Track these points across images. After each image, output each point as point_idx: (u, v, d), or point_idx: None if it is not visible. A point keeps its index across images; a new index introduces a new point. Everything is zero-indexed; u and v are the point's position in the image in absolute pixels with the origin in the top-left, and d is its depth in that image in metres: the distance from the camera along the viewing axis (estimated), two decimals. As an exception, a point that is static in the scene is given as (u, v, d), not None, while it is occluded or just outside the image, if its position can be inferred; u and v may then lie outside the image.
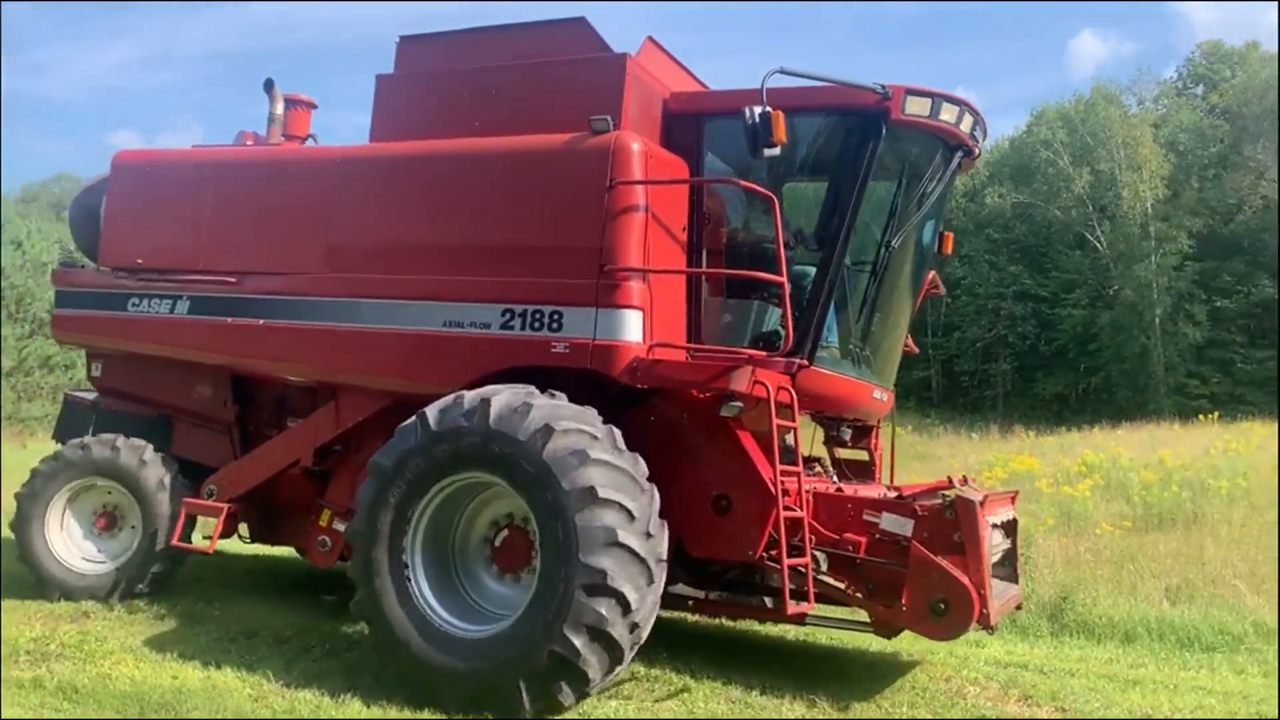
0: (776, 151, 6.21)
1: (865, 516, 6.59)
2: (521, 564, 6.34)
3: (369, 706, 5.95)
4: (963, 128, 6.98)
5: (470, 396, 6.20)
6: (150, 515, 8.07)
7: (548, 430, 5.88)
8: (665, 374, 6.45)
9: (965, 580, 6.10)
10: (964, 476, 7.39)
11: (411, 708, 5.93)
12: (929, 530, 6.35)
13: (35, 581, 8.11)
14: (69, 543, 8.30)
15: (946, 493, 6.55)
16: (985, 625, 6.21)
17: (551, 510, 5.79)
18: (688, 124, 7.16)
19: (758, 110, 6.19)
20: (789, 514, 6.28)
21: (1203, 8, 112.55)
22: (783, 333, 6.74)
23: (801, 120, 6.77)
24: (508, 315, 6.76)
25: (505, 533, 6.40)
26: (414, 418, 6.30)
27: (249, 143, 8.86)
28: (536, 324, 6.66)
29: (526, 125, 7.03)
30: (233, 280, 7.90)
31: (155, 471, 8.11)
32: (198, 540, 8.24)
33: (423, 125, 7.46)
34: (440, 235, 7.10)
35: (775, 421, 6.22)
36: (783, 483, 6.34)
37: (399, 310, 7.15)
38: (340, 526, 7.52)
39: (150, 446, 8.26)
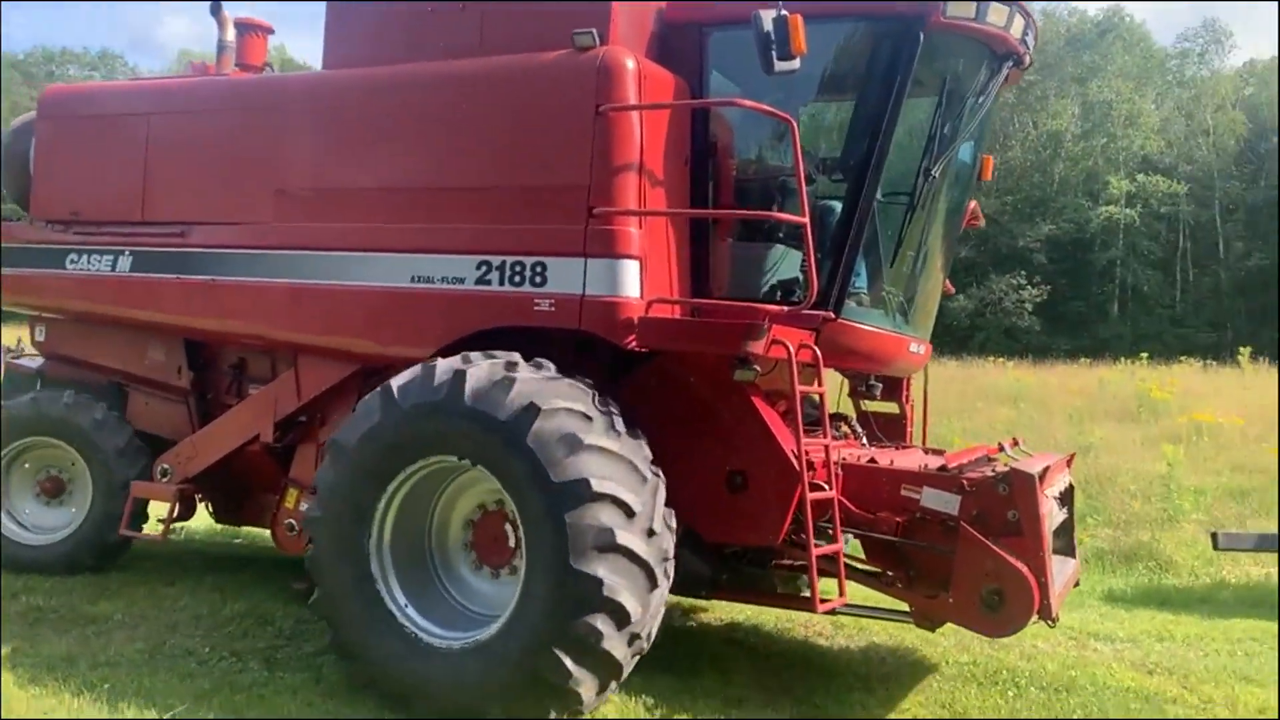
0: (795, 65, 5.18)
1: (904, 492, 5.68)
2: (506, 557, 5.48)
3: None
4: (1013, 32, 5.93)
5: (443, 367, 5.29)
6: (102, 482, 7.32)
7: (533, 410, 4.98)
8: (667, 335, 5.51)
9: (1023, 568, 5.21)
10: (1014, 439, 6.47)
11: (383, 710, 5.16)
12: (978, 508, 5.44)
13: None
14: (13, 509, 7.62)
15: (997, 461, 5.65)
16: (1046, 618, 5.33)
17: (538, 505, 4.92)
18: (688, 36, 6.10)
19: (772, 16, 5.15)
20: (816, 494, 5.38)
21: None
22: (805, 281, 5.80)
23: (824, 29, 5.68)
24: (484, 268, 5.81)
25: (482, 520, 5.54)
26: (377, 391, 5.41)
27: (208, 72, 7.86)
28: (516, 278, 5.72)
29: (499, 45, 6.01)
30: (178, 233, 6.96)
31: (110, 435, 7.36)
32: (151, 527, 7.40)
33: (380, 50, 6.43)
34: (405, 176, 6.13)
35: (798, 386, 5.30)
36: (808, 455, 5.45)
37: (361, 264, 6.21)
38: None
39: (104, 405, 7.48)
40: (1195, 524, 11.15)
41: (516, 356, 5.35)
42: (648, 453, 5.26)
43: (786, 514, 5.57)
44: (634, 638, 4.96)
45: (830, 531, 5.55)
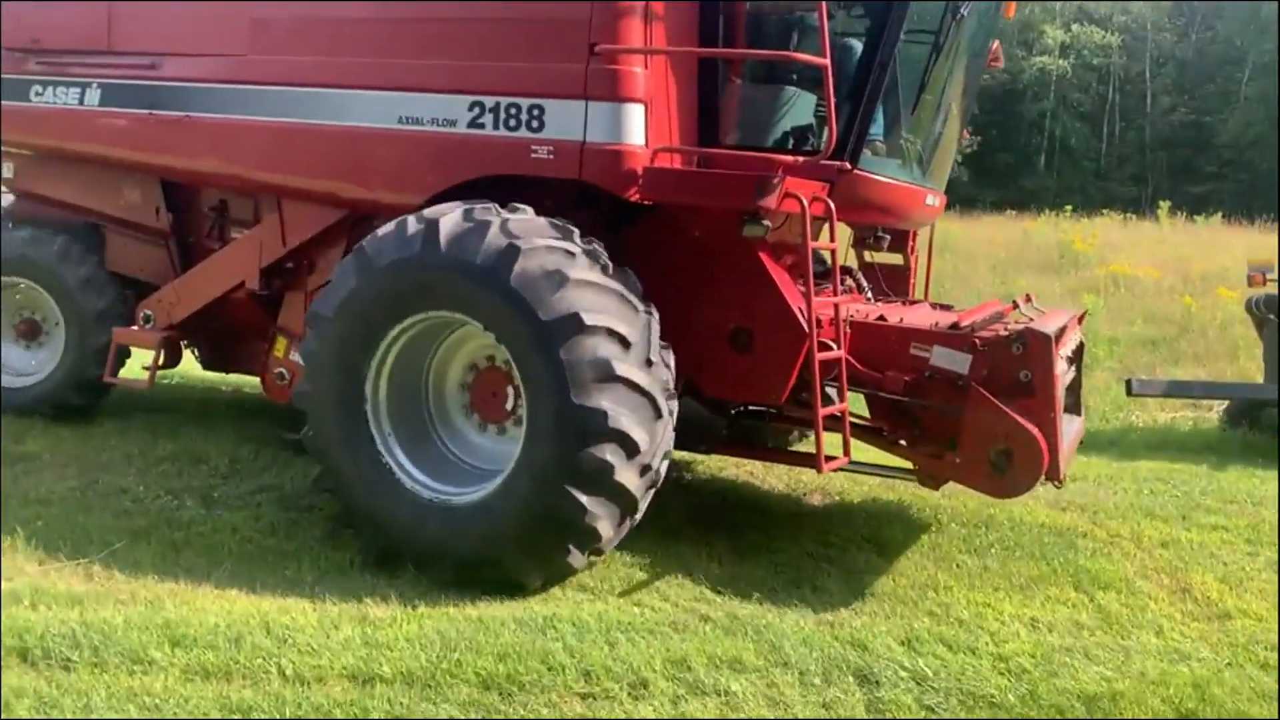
0: None
1: (913, 350, 5.49)
2: (506, 413, 5.34)
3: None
4: None
5: (414, 219, 5.05)
6: (74, 318, 7.11)
7: (512, 250, 4.75)
8: (673, 188, 5.20)
9: (1034, 429, 5.09)
10: (1027, 295, 6.27)
11: (395, 579, 5.04)
12: (989, 367, 5.27)
13: None
14: None
15: (1009, 319, 5.45)
16: (1053, 478, 5.25)
17: (530, 346, 4.74)
18: None
19: None
20: (824, 354, 5.20)
21: None
22: (821, 128, 5.47)
23: None
24: (476, 110, 5.43)
25: (478, 378, 5.38)
26: (351, 255, 5.15)
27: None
28: (512, 121, 5.35)
29: None
30: (148, 64, 6.51)
31: (76, 268, 7.08)
32: (135, 373, 7.22)
33: None
34: (390, 5, 5.67)
35: (810, 241, 5.04)
36: (815, 312, 5.25)
37: (346, 101, 5.82)
38: (297, 356, 6.47)
39: (65, 238, 7.18)
40: (1109, 371, 11.56)
41: (492, 204, 5.07)
42: (639, 287, 5.07)
43: (792, 373, 5.40)
44: (645, 469, 4.86)
45: (837, 390, 5.39)
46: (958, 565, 5.66)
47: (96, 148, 6.88)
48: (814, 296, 5.13)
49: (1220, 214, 24.73)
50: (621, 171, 5.13)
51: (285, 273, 6.55)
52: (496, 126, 5.38)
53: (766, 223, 5.11)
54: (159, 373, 6.98)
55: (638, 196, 5.17)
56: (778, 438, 7.19)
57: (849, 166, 5.40)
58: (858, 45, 5.59)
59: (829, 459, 5.27)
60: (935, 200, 6.37)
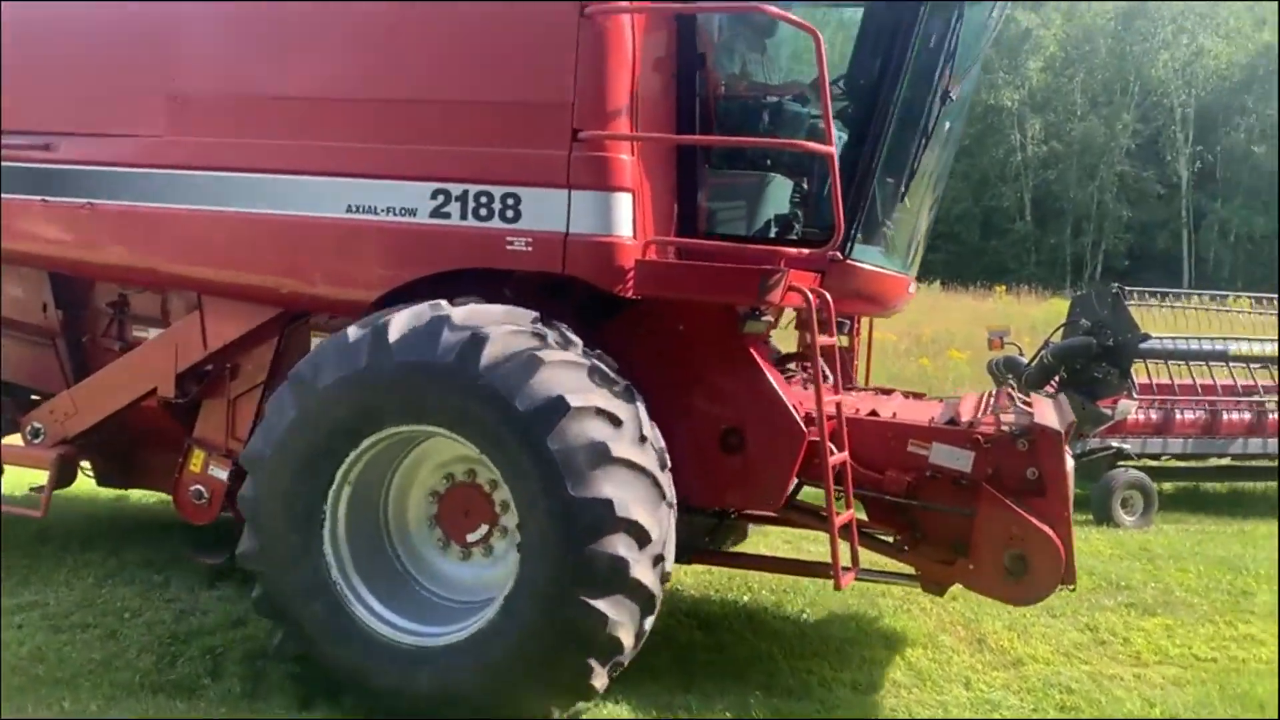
0: None
1: (910, 447, 5.20)
2: (486, 532, 4.77)
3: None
4: None
5: (353, 329, 4.55)
6: None
7: (476, 341, 4.29)
8: (671, 282, 4.80)
9: (1050, 533, 4.84)
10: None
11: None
12: (994, 465, 5.01)
13: None
14: None
15: (1009, 417, 5.22)
16: (1069, 582, 5.00)
17: (512, 443, 4.26)
18: None
19: None
20: (832, 457, 4.84)
21: None
22: (807, 215, 5.20)
23: None
24: (440, 198, 4.92)
25: (445, 498, 4.83)
26: (365, 330, 4.52)
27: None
28: (483, 211, 4.86)
29: None
30: (41, 145, 5.75)
31: None
32: (18, 492, 6.30)
33: None
34: (339, 84, 5.14)
35: (818, 338, 4.72)
36: (807, 411, 4.92)
37: (284, 188, 5.20)
38: (218, 472, 5.75)
39: None
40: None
41: (438, 300, 4.59)
42: (611, 361, 4.66)
43: (790, 476, 5.04)
44: (657, 559, 4.38)
45: (839, 494, 5.03)
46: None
47: None
48: (807, 393, 4.80)
49: (939, 281, 27.32)
50: (612, 265, 4.71)
51: (203, 377, 5.83)
52: (465, 216, 4.88)
53: (768, 318, 4.77)
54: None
55: (630, 292, 4.74)
56: (718, 539, 6.77)
57: (840, 256, 5.12)
58: (842, 132, 5.37)
59: (846, 570, 4.90)
60: (914, 287, 6.17)
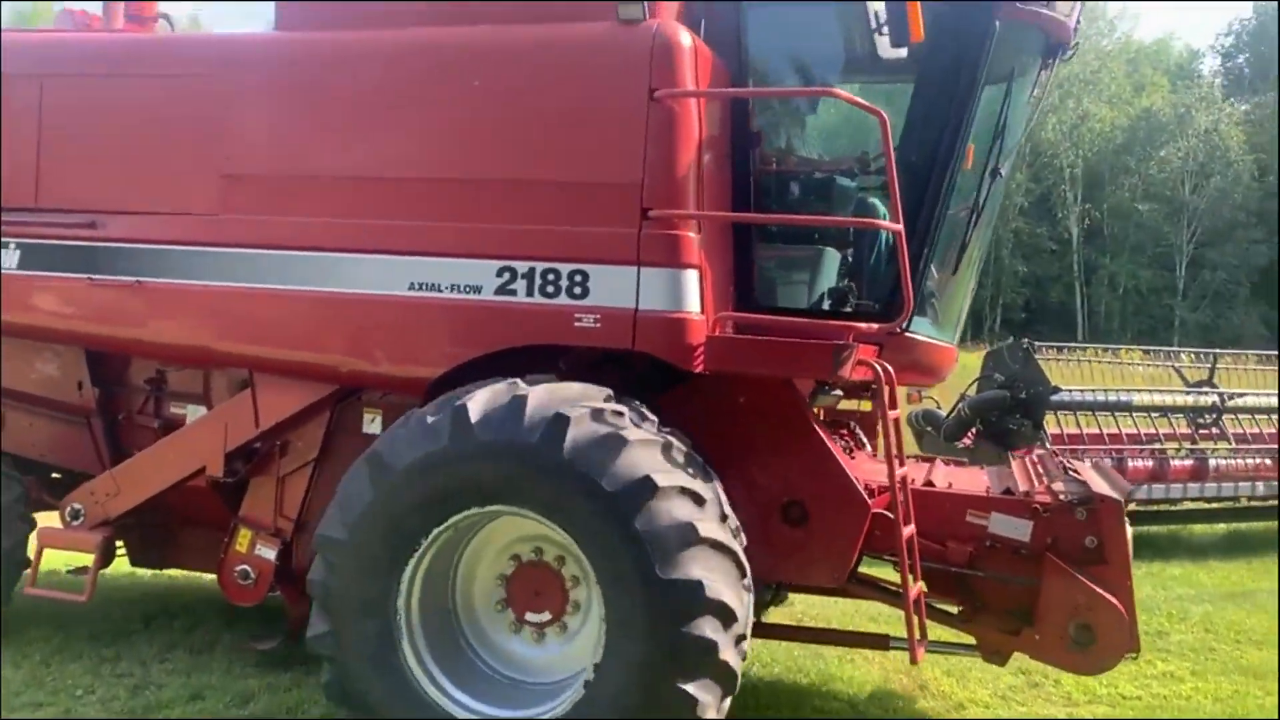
0: (903, 53, 4.59)
1: (969, 517, 5.26)
2: (558, 611, 4.73)
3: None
4: (1071, 20, 5.53)
5: (430, 409, 4.53)
6: None
7: (560, 421, 4.28)
8: (743, 357, 4.83)
9: (1116, 603, 4.90)
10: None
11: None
12: (1052, 533, 5.08)
13: None
14: None
15: (1061, 485, 5.29)
16: (1135, 651, 5.04)
17: (598, 523, 4.24)
18: (723, 9, 5.37)
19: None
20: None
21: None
22: (861, 288, 5.29)
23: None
24: (506, 275, 4.95)
25: (513, 578, 4.78)
26: (446, 410, 4.47)
27: (93, 26, 6.53)
28: (550, 288, 4.89)
29: (503, 13, 5.13)
30: (86, 223, 5.72)
31: None
32: (49, 572, 6.14)
33: (354, 11, 5.43)
34: (402, 164, 5.17)
35: (889, 411, 4.77)
36: (868, 484, 4.98)
37: (343, 266, 5.21)
38: (266, 552, 5.66)
39: None
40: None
41: (513, 379, 4.59)
42: (685, 439, 4.66)
43: (854, 550, 5.06)
44: (739, 639, 4.35)
45: (901, 567, 5.04)
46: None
47: (9, 315, 5.95)
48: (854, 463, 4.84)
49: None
50: (682, 340, 4.74)
51: (250, 455, 5.76)
52: (531, 293, 4.91)
53: (838, 392, 4.81)
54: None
55: (701, 367, 4.78)
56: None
57: (899, 329, 5.19)
58: (879, 204, 5.49)
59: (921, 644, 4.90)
60: (956, 356, 6.26)
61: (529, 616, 4.74)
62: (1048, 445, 10.16)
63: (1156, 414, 11.13)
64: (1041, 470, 5.77)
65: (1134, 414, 10.99)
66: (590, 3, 4.89)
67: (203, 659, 6.14)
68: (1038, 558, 5.06)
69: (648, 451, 4.34)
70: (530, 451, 4.27)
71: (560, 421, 4.28)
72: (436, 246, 5.06)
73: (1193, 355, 12.94)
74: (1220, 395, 11.36)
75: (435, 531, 4.49)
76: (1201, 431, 11.22)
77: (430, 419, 4.46)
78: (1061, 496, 5.15)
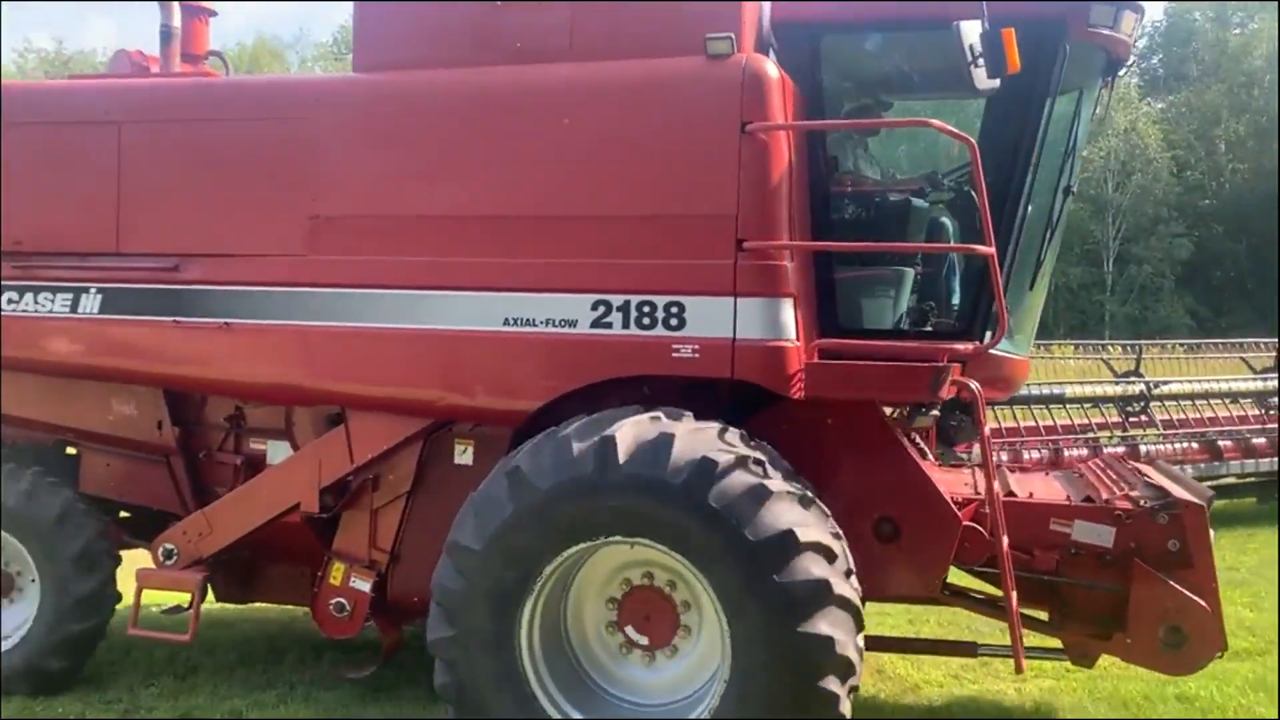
0: (997, 84, 4.72)
1: (1053, 526, 5.41)
2: (665, 637, 4.85)
3: None
4: (1131, 38, 5.68)
5: (574, 434, 4.62)
6: (48, 565, 6.01)
7: (708, 465, 4.40)
8: (842, 383, 4.96)
9: (1204, 604, 5.06)
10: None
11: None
12: (1135, 539, 5.24)
13: None
14: None
15: (1138, 492, 5.44)
16: (1223, 650, 5.21)
17: (736, 570, 4.36)
18: (799, 39, 5.49)
19: (978, 30, 4.64)
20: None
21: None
22: (938, 307, 5.43)
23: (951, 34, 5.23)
24: (601, 309, 5.06)
25: (624, 602, 4.91)
26: (583, 436, 4.57)
27: (150, 67, 6.56)
28: (646, 320, 5.01)
29: (592, 50, 5.24)
30: (169, 266, 5.79)
31: (43, 505, 6.04)
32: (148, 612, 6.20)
33: (432, 52, 5.50)
34: (493, 203, 5.27)
35: (986, 428, 4.92)
36: (956, 496, 5.14)
37: (436, 303, 5.31)
38: (360, 584, 5.74)
39: (33, 471, 6.17)
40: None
41: (656, 411, 4.72)
42: (814, 488, 4.80)
43: (946, 563, 5.21)
44: (852, 690, 4.51)
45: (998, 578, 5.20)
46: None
47: (92, 359, 6.02)
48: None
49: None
50: (781, 368, 4.87)
51: (342, 489, 5.84)
52: (627, 325, 5.03)
53: (935, 413, 4.95)
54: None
55: (802, 393, 4.91)
56: None
57: (984, 347, 5.33)
58: (949, 223, 5.63)
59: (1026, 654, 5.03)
60: (1030, 366, 6.42)
61: (638, 638, 4.86)
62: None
63: (1089, 404, 11.76)
64: (1115, 476, 5.92)
65: (1068, 405, 11.58)
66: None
67: (188, 682, 6.24)
68: (1121, 563, 5.21)
69: (790, 505, 4.44)
70: (677, 493, 4.37)
71: (708, 466, 4.38)
72: (530, 282, 5.16)
73: (1120, 348, 13.77)
74: (1146, 384, 11.99)
75: (566, 554, 4.60)
76: (1131, 420, 11.82)
77: (576, 445, 4.54)
78: (1142, 503, 5.31)
